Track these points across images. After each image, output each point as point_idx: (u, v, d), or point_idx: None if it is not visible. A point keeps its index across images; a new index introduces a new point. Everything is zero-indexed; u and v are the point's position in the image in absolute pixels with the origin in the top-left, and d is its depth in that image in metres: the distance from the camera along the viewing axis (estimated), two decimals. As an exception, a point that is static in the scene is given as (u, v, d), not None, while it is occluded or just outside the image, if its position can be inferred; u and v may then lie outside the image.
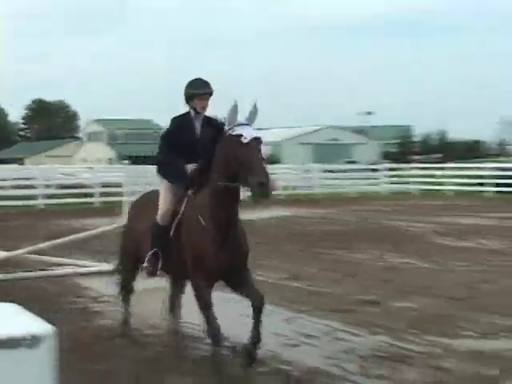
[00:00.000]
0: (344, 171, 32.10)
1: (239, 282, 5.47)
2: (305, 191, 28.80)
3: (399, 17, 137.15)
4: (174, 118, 5.92)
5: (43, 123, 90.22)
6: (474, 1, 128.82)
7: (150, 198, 6.24)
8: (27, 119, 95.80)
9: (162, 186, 5.93)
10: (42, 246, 9.67)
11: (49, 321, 2.04)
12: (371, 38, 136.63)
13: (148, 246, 5.86)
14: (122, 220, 7.27)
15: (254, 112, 5.24)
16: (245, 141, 4.98)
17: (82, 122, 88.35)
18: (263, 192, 4.79)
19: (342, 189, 28.92)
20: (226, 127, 5.16)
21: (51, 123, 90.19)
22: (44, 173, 26.34)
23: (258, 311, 5.28)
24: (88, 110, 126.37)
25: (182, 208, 5.57)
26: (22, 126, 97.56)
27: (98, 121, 73.76)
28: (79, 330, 6.57)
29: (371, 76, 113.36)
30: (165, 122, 34.18)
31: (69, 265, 10.11)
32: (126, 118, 73.28)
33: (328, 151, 51.52)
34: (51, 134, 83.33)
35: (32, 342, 1.92)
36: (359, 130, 65.52)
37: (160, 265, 5.77)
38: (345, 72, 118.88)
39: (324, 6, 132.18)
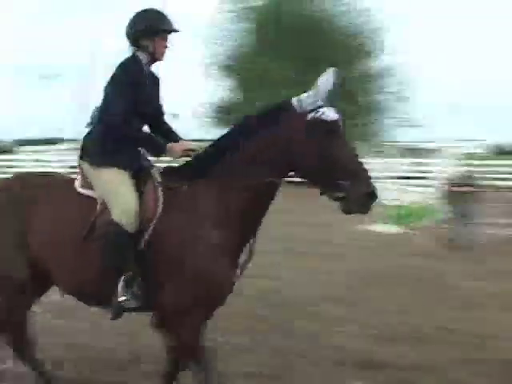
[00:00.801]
0: None
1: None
2: None
3: None
4: (124, 65, 3.86)
5: None
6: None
7: (58, 186, 4.05)
8: None
9: (104, 172, 3.82)
10: None
11: None
12: None
13: (69, 264, 3.82)
14: None
15: (336, 89, 3.60)
16: (340, 131, 3.58)
17: None
18: (367, 205, 3.52)
19: None
20: (308, 105, 3.58)
21: None
22: None
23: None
24: None
25: (159, 209, 3.70)
26: None
27: None
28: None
29: None
30: None
31: None
32: None
33: None
34: None
35: None
36: None
37: (137, 295, 3.75)
38: None
39: None
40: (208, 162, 3.74)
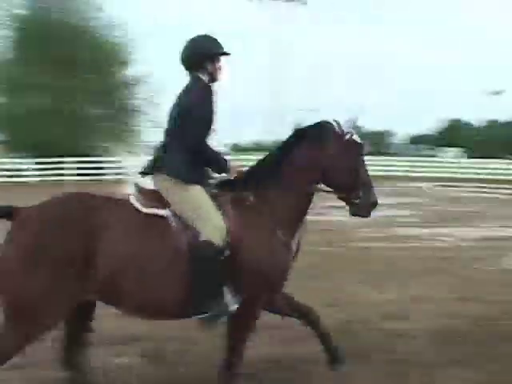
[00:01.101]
0: None
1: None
2: None
3: None
4: (201, 88, 4.21)
5: None
6: None
7: (115, 205, 4.07)
8: None
9: (191, 189, 4.10)
10: None
11: None
12: None
13: (150, 284, 3.91)
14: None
15: (357, 117, 4.52)
16: (364, 153, 4.49)
17: None
18: (371, 211, 4.46)
19: None
20: (345, 129, 4.44)
21: None
22: None
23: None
24: None
25: (231, 218, 4.13)
26: None
27: None
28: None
29: None
30: None
31: None
32: None
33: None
34: None
35: None
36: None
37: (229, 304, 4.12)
38: None
39: None
40: (260, 176, 4.33)
